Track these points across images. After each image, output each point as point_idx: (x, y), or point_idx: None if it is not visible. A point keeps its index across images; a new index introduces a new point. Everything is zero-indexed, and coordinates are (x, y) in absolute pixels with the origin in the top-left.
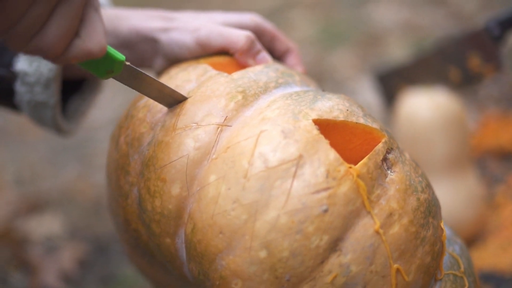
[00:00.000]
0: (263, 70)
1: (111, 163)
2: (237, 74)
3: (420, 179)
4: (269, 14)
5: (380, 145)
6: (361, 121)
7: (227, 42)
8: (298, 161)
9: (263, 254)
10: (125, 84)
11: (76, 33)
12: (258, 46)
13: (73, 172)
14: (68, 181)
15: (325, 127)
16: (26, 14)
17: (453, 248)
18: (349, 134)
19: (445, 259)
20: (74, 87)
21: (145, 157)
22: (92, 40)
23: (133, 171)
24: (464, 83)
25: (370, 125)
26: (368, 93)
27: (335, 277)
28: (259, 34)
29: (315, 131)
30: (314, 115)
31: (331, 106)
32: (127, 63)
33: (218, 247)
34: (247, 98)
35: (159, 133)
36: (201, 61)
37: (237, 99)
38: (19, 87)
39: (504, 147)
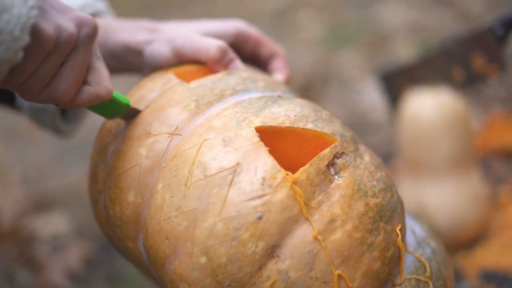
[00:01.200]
0: (223, 77)
1: (88, 172)
2: (195, 83)
3: (374, 183)
4: (276, 15)
5: (327, 150)
6: (310, 126)
7: (199, 52)
8: (235, 169)
9: (203, 260)
10: (125, 120)
11: (84, 81)
12: (231, 55)
13: (79, 171)
14: (75, 181)
15: (271, 134)
16: (38, 69)
17: (422, 251)
18: (298, 140)
19: (409, 263)
20: None
21: (108, 166)
22: (100, 86)
23: (100, 179)
24: (468, 83)
25: (319, 130)
26: (374, 93)
27: (274, 282)
28: (243, 40)
29: (255, 138)
30: (258, 122)
31: (278, 112)
32: (132, 106)
33: (165, 252)
34: (199, 107)
35: (120, 143)
36: (170, 70)
37: (189, 108)
38: None
39: (509, 147)
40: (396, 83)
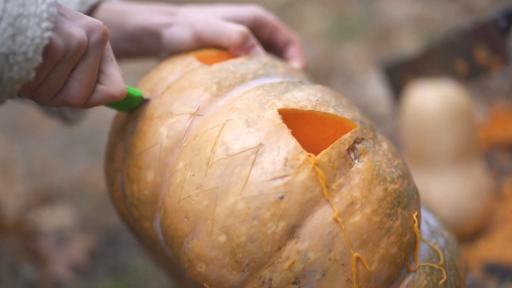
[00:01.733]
0: (244, 62)
1: (104, 152)
2: (216, 66)
3: (392, 169)
4: (280, 8)
5: (348, 134)
6: (331, 111)
7: (221, 37)
8: (258, 149)
9: (223, 238)
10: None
11: (97, 82)
12: (252, 41)
13: (83, 165)
14: (79, 174)
15: (293, 117)
16: (50, 75)
17: (436, 240)
18: (320, 124)
19: (424, 251)
20: None
21: (127, 145)
22: (114, 87)
23: (117, 158)
24: (471, 75)
25: (340, 115)
26: (377, 87)
27: (293, 263)
28: (260, 26)
29: (278, 120)
30: (281, 105)
31: (300, 96)
32: (145, 97)
33: (184, 231)
34: (221, 89)
35: (139, 122)
36: (190, 54)
37: (211, 89)
38: None
39: None
40: (400, 76)
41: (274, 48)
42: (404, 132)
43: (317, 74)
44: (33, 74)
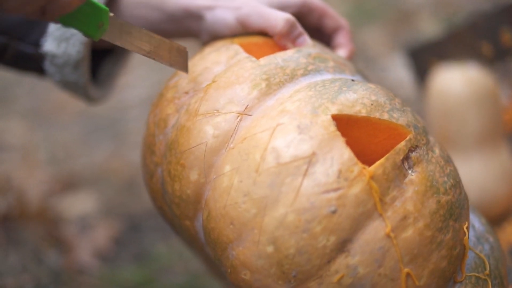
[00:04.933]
0: (293, 55)
1: (143, 140)
2: (265, 60)
3: (445, 179)
4: None
5: (403, 143)
6: (385, 116)
7: (266, 24)
8: (311, 159)
9: (270, 249)
10: (118, 44)
11: None
12: (299, 29)
13: (106, 151)
14: (102, 160)
15: (347, 121)
16: None
17: (482, 247)
18: (372, 129)
19: (470, 260)
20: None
21: (168, 140)
22: None
23: (158, 152)
24: (497, 58)
25: (395, 121)
26: (400, 70)
27: (342, 277)
28: (308, 11)
29: (332, 127)
30: (334, 110)
31: (354, 99)
32: (111, 14)
33: (229, 237)
34: (270, 87)
35: (183, 117)
36: (235, 40)
37: (260, 87)
38: (48, 67)
39: None
40: (424, 58)
41: (322, 33)
42: (429, 115)
43: None
44: None
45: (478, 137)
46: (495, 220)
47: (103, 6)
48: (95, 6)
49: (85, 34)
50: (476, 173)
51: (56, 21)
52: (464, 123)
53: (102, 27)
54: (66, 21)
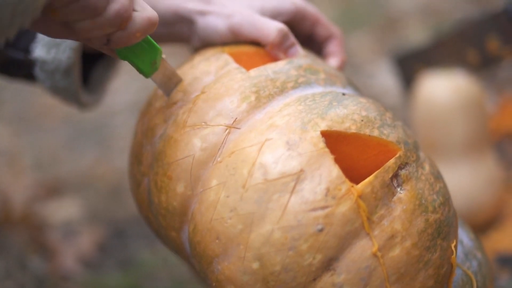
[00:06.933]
0: (283, 67)
1: (130, 148)
2: (255, 71)
3: (434, 197)
4: None
5: (392, 161)
6: (375, 133)
7: (258, 34)
8: (299, 176)
9: (255, 265)
10: (159, 87)
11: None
12: (291, 39)
13: (91, 156)
14: (87, 166)
15: (336, 137)
16: None
17: (470, 264)
18: (362, 145)
19: (457, 277)
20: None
21: (156, 150)
22: (147, 10)
23: (145, 161)
24: (483, 65)
25: (385, 138)
26: (386, 77)
27: None
28: (300, 18)
29: (321, 144)
30: (324, 126)
31: (344, 115)
32: (164, 56)
33: (215, 251)
34: (260, 100)
35: (171, 128)
36: (226, 49)
37: (249, 100)
38: (38, 73)
39: None
40: (410, 65)
41: (314, 41)
42: (415, 122)
43: None
44: None
45: (464, 144)
46: (481, 228)
47: (158, 46)
48: (151, 44)
49: (139, 69)
50: (462, 180)
51: (114, 52)
52: (450, 130)
53: (154, 65)
54: (123, 54)
